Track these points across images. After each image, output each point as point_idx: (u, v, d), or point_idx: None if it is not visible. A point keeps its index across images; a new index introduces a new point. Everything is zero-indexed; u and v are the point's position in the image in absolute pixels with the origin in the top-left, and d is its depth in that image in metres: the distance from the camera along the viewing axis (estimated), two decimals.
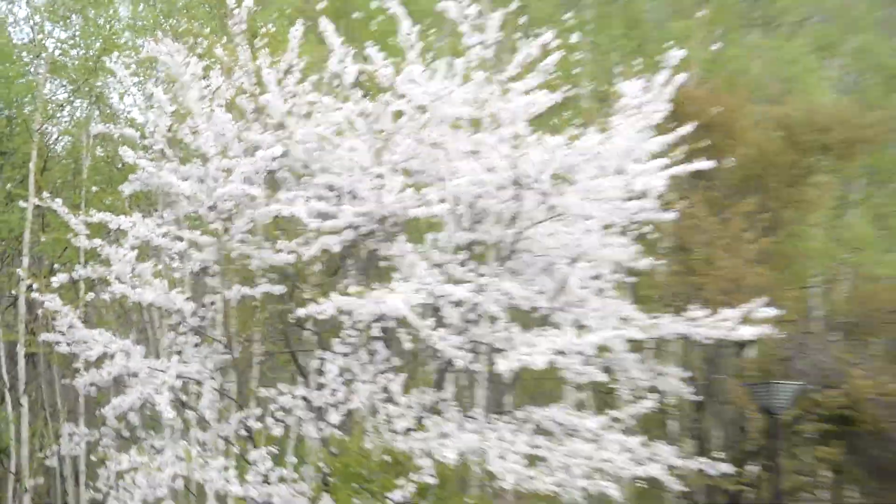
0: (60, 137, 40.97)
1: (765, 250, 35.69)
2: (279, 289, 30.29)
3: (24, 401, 39.90)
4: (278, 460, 29.58)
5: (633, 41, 41.54)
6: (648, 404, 31.57)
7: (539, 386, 35.21)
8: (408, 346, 29.81)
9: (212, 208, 29.94)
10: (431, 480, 28.11)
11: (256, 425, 29.74)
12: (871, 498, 39.69)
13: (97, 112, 39.16)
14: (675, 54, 31.46)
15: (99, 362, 29.86)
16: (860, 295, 42.27)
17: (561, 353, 28.59)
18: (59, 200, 31.30)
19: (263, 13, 34.18)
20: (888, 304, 39.38)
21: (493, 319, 29.80)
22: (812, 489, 41.28)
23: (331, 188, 30.07)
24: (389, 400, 29.20)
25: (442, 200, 29.66)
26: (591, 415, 31.33)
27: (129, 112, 32.29)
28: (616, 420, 30.47)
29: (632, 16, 45.09)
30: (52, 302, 29.58)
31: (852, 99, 43.52)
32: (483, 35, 30.50)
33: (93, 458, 34.49)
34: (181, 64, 30.28)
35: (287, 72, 30.27)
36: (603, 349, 30.37)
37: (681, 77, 31.38)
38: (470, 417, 30.12)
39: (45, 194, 33.05)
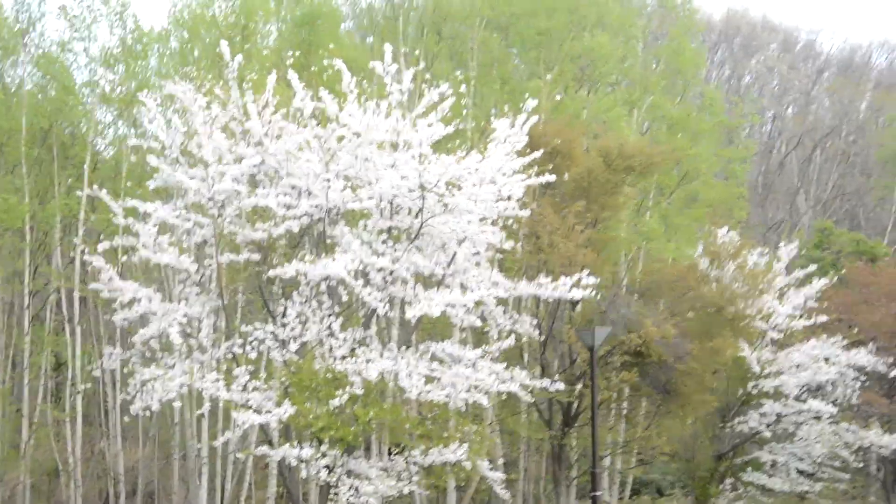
0: (106, 148, 45.36)
1: (589, 238, 38.63)
2: (256, 256, 34.86)
3: (78, 330, 42.22)
4: (253, 375, 33.85)
5: (503, 93, 45.55)
6: (509, 342, 36.23)
7: (435, 328, 38.59)
8: (345, 298, 34.79)
9: (210, 199, 34.29)
10: (359, 391, 32.52)
11: (238, 351, 34.44)
12: (656, 405, 43.31)
13: (132, 131, 43.18)
14: (531, 103, 36.78)
15: (130, 304, 34.00)
16: (651, 270, 46.39)
17: (451, 305, 34.28)
18: (104, 191, 35.90)
19: (249, 65, 37.89)
20: (669, 276, 43.14)
21: (404, 281, 34.89)
22: (617, 401, 45.21)
23: (293, 187, 34.74)
24: (331, 335, 34.07)
25: (370, 198, 34.53)
26: (470, 348, 35.49)
27: (154, 131, 34.89)
28: (487, 352, 35.33)
29: (502, 75, 48.99)
30: (98, 262, 33.47)
31: (646, 138, 49.08)
32: (400, 85, 35.44)
33: (125, 371, 38.26)
34: (191, 99, 34.69)
35: (264, 106, 34.44)
36: (479, 303, 35.87)
37: (534, 119, 36.77)
38: (387, 349, 34.75)
39: (95, 187, 37.64)
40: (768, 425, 45.62)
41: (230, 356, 35.00)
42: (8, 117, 42.55)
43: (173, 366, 34.72)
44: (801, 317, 45.84)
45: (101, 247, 34.73)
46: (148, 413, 36.28)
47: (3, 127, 42.45)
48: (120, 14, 44.95)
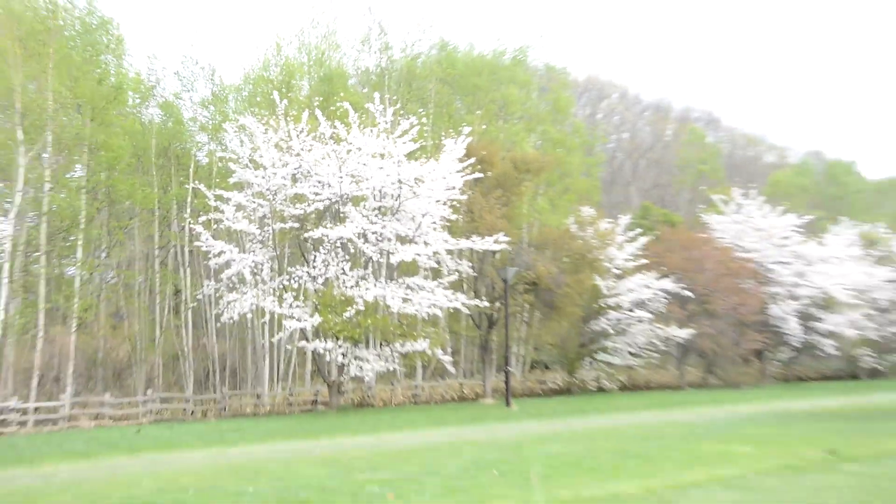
0: (203, 158, 44.14)
1: (503, 213, 38.18)
2: (296, 224, 34.70)
3: (188, 270, 42.70)
4: (295, 298, 33.77)
5: (450, 123, 44.57)
6: (454, 277, 37.03)
7: (408, 268, 37.29)
8: (352, 250, 34.48)
9: (267, 189, 34.54)
10: (362, 308, 32.68)
11: (286, 283, 34.22)
12: (544, 315, 42.71)
13: (219, 146, 42.41)
14: (467, 129, 37.48)
15: (218, 255, 34.09)
16: (542, 232, 45.01)
17: (418, 254, 34.25)
18: (202, 185, 36.61)
19: (290, 106, 36.78)
20: (553, 236, 42.67)
21: (389, 239, 34.44)
22: (520, 312, 45.52)
23: (319, 182, 34.43)
24: (344, 273, 33.87)
25: (367, 188, 34.58)
26: (430, 280, 35.83)
27: (233, 147, 35.51)
28: (440, 283, 35.65)
29: (449, 112, 48.60)
30: (198, 228, 33.97)
31: (539, 151, 45.06)
32: (385, 118, 35.56)
33: (216, 295, 38.86)
34: (255, 127, 34.75)
35: (300, 132, 34.45)
36: (436, 253, 35.55)
37: (469, 139, 36.91)
38: (378, 282, 34.44)
39: (196, 182, 38.61)
40: (611, 326, 45.41)
41: (281, 287, 34.67)
42: (144, 140, 42.57)
43: (246, 293, 34.61)
44: (631, 260, 45.86)
45: (200, 219, 35.56)
46: (231, 320, 35.93)
47: (141, 146, 42.40)
48: (211, 75, 45.43)
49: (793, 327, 53.72)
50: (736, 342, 48.49)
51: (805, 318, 54.78)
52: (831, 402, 33.55)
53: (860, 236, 64.98)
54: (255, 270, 34.86)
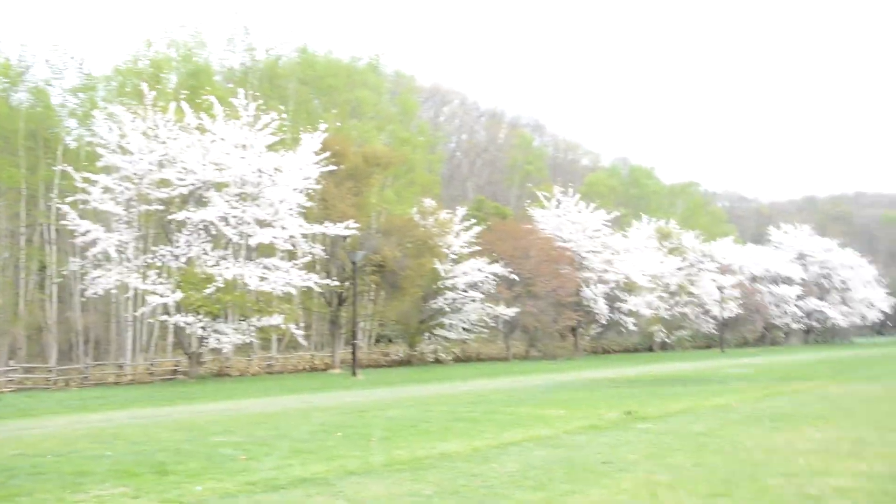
0: (71, 142, 41.76)
1: (354, 202, 38.27)
2: (161, 207, 33.51)
3: (54, 248, 40.56)
4: (159, 276, 32.86)
5: (308, 119, 43.60)
6: (307, 259, 36.25)
7: (266, 250, 35.73)
8: (213, 232, 33.39)
9: (134, 174, 32.94)
10: (221, 285, 32.01)
11: (150, 261, 33.14)
12: (389, 294, 44.06)
13: (88, 132, 39.25)
14: (323, 126, 37.32)
15: (84, 233, 32.77)
16: (389, 220, 45.62)
17: (275, 237, 33.90)
18: (70, 167, 34.07)
19: (158, 97, 34.86)
20: (398, 223, 43.29)
21: (248, 223, 33.55)
22: (367, 291, 44.95)
23: (184, 168, 32.97)
24: (205, 253, 32.97)
25: (230, 176, 33.49)
26: (286, 261, 35.33)
27: (101, 133, 32.84)
28: (295, 264, 35.06)
29: (307, 109, 47.88)
30: (66, 208, 32.29)
31: (388, 148, 45.07)
32: (248, 111, 34.78)
33: (82, 271, 36.11)
34: (124, 115, 33.17)
35: (167, 121, 33.52)
36: (292, 236, 34.72)
37: (325, 135, 36.75)
38: (238, 261, 33.64)
39: (64, 165, 35.71)
40: (448, 305, 45.76)
41: (146, 264, 33.59)
42: (12, 122, 40.19)
43: (111, 269, 33.23)
44: (466, 247, 46.29)
45: (68, 199, 33.35)
46: (96, 295, 34.12)
47: (9, 128, 40.07)
48: (81, 64, 42.83)
49: (601, 307, 55.84)
50: (554, 320, 49.88)
51: (611, 299, 57.05)
52: (630, 371, 34.70)
53: (656, 231, 68.19)
54: (121, 249, 33.50)
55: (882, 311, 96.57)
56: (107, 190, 33.26)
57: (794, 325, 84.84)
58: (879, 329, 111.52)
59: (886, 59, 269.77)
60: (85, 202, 33.41)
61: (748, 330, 77.43)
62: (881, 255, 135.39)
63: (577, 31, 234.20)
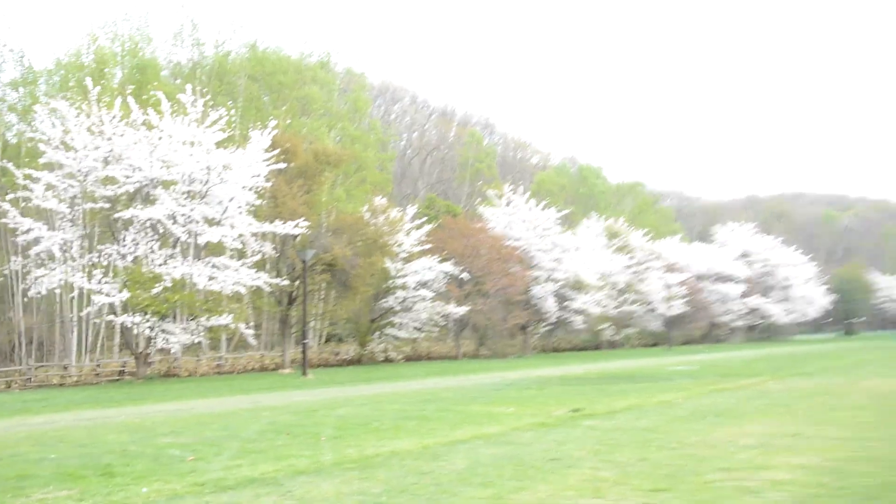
0: (12, 137, 40.52)
1: (305, 200, 38.03)
2: (107, 205, 32.89)
3: None
4: (104, 275, 32.37)
5: (258, 116, 43.62)
6: (257, 258, 35.97)
7: (215, 248, 35.72)
8: (161, 230, 33.09)
9: (79, 171, 32.37)
10: (169, 284, 31.66)
11: (96, 260, 32.51)
12: (339, 293, 42.82)
13: (29, 127, 37.24)
14: (272, 123, 36.97)
15: (27, 232, 32.07)
16: (339, 218, 44.79)
17: (224, 235, 33.52)
18: (10, 164, 33.31)
19: (103, 92, 34.97)
20: (349, 222, 42.38)
21: (197, 221, 33.09)
22: (318, 290, 44.55)
23: (130, 165, 32.55)
24: (153, 251, 32.52)
25: (178, 174, 33.11)
26: (235, 260, 34.88)
27: (43, 129, 31.24)
28: (244, 263, 34.70)
29: (257, 106, 48.28)
30: (6, 206, 31.66)
31: (339, 145, 45.66)
32: (196, 107, 34.30)
33: (24, 270, 34.98)
34: (67, 111, 32.69)
35: (113, 117, 32.82)
36: (241, 235, 34.58)
37: (275, 132, 36.39)
38: (186, 260, 33.25)
39: (3, 161, 34.62)
40: (398, 303, 45.80)
41: (91, 263, 32.95)
42: None
43: (55, 269, 32.66)
44: (417, 245, 46.38)
45: (8, 197, 32.99)
46: (39, 295, 33.55)
47: None
48: (20, 57, 41.70)
49: (550, 305, 56.35)
50: (504, 318, 50.23)
51: (560, 297, 57.59)
52: (578, 368, 34.93)
53: (605, 229, 69.07)
54: (65, 247, 32.80)
55: (821, 309, 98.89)
56: (49, 187, 32.62)
57: (738, 323, 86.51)
58: (818, 326, 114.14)
59: (826, 63, 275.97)
60: (27, 199, 32.69)
61: (693, 327, 78.70)
62: (821, 253, 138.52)
63: (527, 29, 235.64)
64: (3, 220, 33.36)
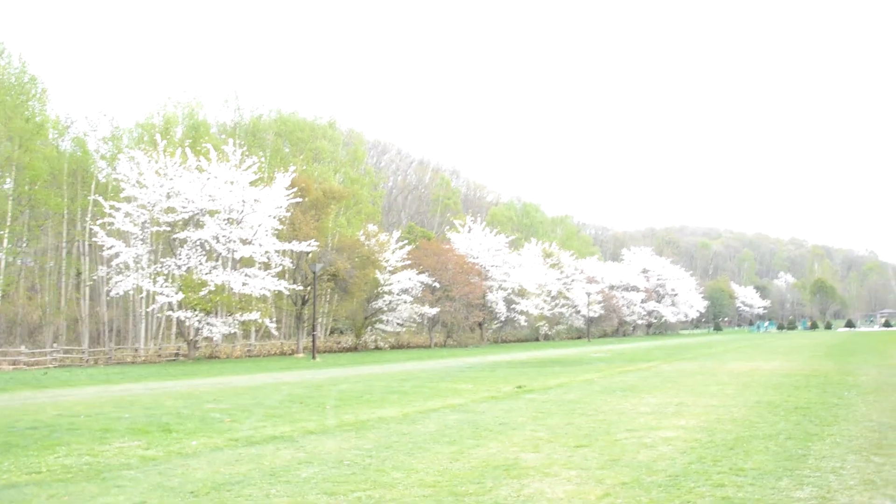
0: (103, 178, 39.85)
1: (315, 226, 37.27)
2: (168, 228, 32.38)
3: (87, 259, 39.46)
4: (166, 280, 31.85)
5: (281, 163, 42.28)
6: (279, 269, 35.36)
7: (248, 262, 33.96)
8: (207, 248, 32.52)
9: (148, 202, 31.91)
10: (213, 288, 31.34)
11: (159, 269, 32.17)
12: (340, 297, 42.09)
13: (114, 170, 38.72)
14: (292, 168, 36.50)
15: (110, 248, 31.96)
16: (342, 240, 43.16)
17: (254, 252, 32.75)
18: (100, 197, 33.98)
19: (168, 144, 34.54)
20: (349, 242, 41.29)
21: (234, 241, 32.44)
22: (324, 295, 44.33)
23: (186, 199, 32.00)
24: (201, 264, 31.98)
25: (220, 205, 32.54)
26: (263, 271, 34.11)
27: (125, 171, 31.09)
28: (269, 273, 33.99)
29: (280, 155, 47.07)
30: (95, 227, 31.81)
31: (341, 186, 44.37)
32: (235, 155, 33.88)
33: (107, 276, 36.18)
34: (142, 158, 32.34)
35: (175, 163, 32.47)
36: (267, 252, 33.60)
37: (293, 174, 35.95)
38: (226, 270, 32.69)
39: (95, 195, 35.40)
40: (386, 305, 45.45)
41: (155, 272, 32.55)
42: (59, 164, 38.78)
43: (129, 276, 32.20)
44: (400, 261, 46.03)
45: (98, 222, 32.61)
46: (118, 295, 33.36)
47: (56, 167, 38.60)
48: (111, 119, 41.77)
49: (501, 308, 56.25)
50: (466, 317, 50.02)
51: (508, 301, 57.53)
52: (521, 355, 34.83)
53: (542, 251, 69.15)
54: (137, 260, 32.53)
55: (698, 311, 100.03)
56: (127, 215, 32.51)
57: (639, 321, 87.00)
58: (697, 324, 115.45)
59: (703, 125, 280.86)
60: (111, 224, 32.41)
61: (607, 325, 79.01)
62: (698, 270, 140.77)
63: (489, 99, 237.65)
64: (94, 240, 33.26)
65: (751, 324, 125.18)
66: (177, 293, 31.11)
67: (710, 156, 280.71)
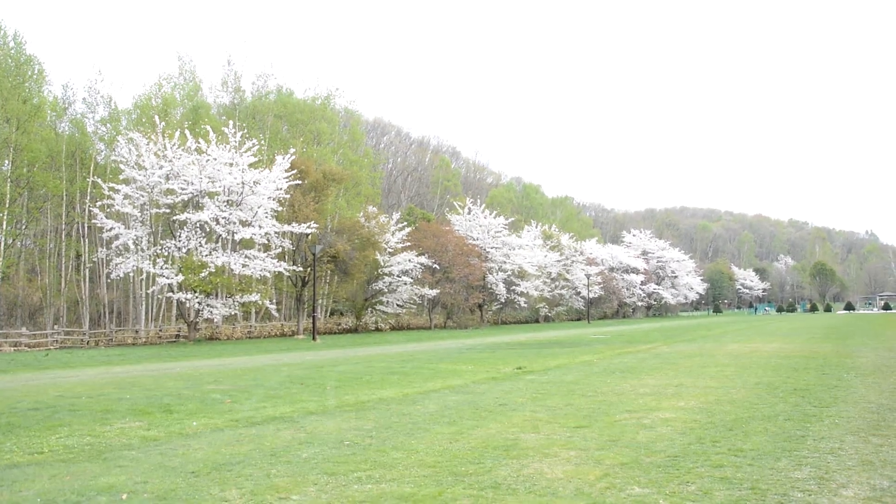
0: (101, 160, 38.74)
1: (315, 207, 36.87)
2: (168, 210, 32.47)
3: (86, 240, 39.14)
4: (166, 262, 32.07)
5: (280, 145, 43.47)
6: (279, 250, 35.71)
7: (247, 243, 35.47)
8: (207, 230, 32.68)
9: (148, 184, 31.82)
10: (213, 270, 31.35)
11: (159, 251, 32.14)
12: (342, 280, 42.03)
13: (112, 152, 36.84)
14: (292, 150, 36.62)
15: (110, 230, 31.78)
16: (342, 221, 42.93)
17: (254, 234, 32.82)
18: (99, 179, 33.58)
19: (167, 126, 35.12)
20: (349, 224, 41.33)
21: (234, 223, 32.68)
22: (324, 276, 43.84)
23: (186, 180, 32.13)
24: (201, 245, 32.06)
25: (220, 187, 32.83)
26: (262, 252, 34.54)
27: (123, 153, 31.25)
28: (269, 254, 34.43)
29: (280, 137, 47.11)
30: (95, 210, 31.33)
31: (341, 167, 43.81)
32: (235, 138, 33.86)
33: (107, 258, 35.80)
34: (140, 140, 32.03)
35: (174, 145, 32.37)
36: (267, 233, 34.01)
37: (293, 156, 35.99)
38: (226, 252, 32.91)
39: (94, 177, 34.95)
40: (386, 287, 45.49)
41: (155, 254, 32.50)
42: (57, 146, 38.43)
43: (129, 258, 32.15)
44: (400, 243, 46.00)
45: (97, 204, 32.94)
46: (118, 277, 33.53)
47: (55, 150, 38.32)
48: (108, 101, 41.32)
49: (500, 289, 56.37)
50: (466, 298, 50.13)
51: (508, 283, 57.65)
52: (521, 337, 34.86)
53: (542, 233, 69.16)
54: (137, 242, 32.52)
55: (698, 293, 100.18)
56: (126, 197, 32.42)
57: (639, 303, 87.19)
58: (696, 306, 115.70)
59: (703, 108, 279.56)
60: (110, 206, 32.49)
61: (607, 307, 79.15)
62: (698, 252, 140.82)
63: (488, 77, 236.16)
64: (94, 221, 33.15)
65: (750, 306, 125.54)
66: (177, 275, 31.13)
67: (710, 137, 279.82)
